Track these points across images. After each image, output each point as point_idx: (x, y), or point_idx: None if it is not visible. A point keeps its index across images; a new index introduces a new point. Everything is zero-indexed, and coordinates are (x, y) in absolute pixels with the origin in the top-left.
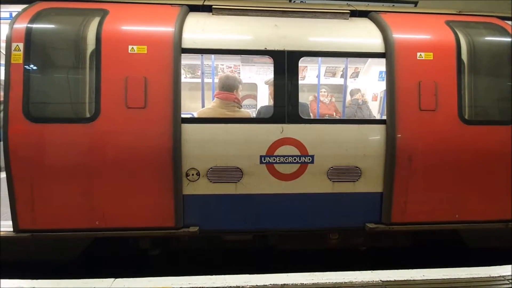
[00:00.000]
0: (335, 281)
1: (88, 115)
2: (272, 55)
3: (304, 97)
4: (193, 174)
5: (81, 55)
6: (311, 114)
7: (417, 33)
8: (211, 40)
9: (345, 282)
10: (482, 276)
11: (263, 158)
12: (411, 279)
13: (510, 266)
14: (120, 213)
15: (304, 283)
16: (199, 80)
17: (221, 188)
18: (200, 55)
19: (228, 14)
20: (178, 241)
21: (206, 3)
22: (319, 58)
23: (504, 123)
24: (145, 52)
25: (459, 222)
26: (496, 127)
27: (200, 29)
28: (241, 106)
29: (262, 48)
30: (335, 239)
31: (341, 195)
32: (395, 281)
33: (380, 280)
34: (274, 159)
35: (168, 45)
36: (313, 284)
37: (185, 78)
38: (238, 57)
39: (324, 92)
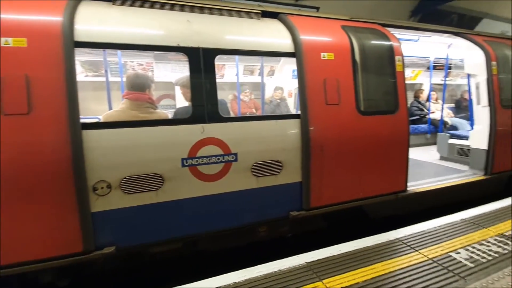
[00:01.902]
0: (265, 273)
1: None
2: (187, 52)
3: (224, 96)
4: (102, 188)
5: None
6: (231, 112)
7: (320, 35)
8: (113, 33)
9: (275, 272)
10: (384, 241)
11: (185, 161)
12: (331, 255)
13: (403, 229)
14: (12, 246)
15: (237, 281)
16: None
17: (139, 198)
18: (101, 50)
19: (132, 6)
20: (95, 264)
21: None
22: (236, 57)
23: (390, 112)
24: (25, 45)
25: (363, 199)
26: (384, 116)
27: (98, 21)
28: (156, 107)
29: (175, 44)
30: (264, 231)
31: (265, 189)
32: (317, 260)
33: (305, 262)
34: (197, 161)
35: (56, 37)
36: (246, 280)
37: (86, 76)
38: (150, 53)
39: (247, 91)
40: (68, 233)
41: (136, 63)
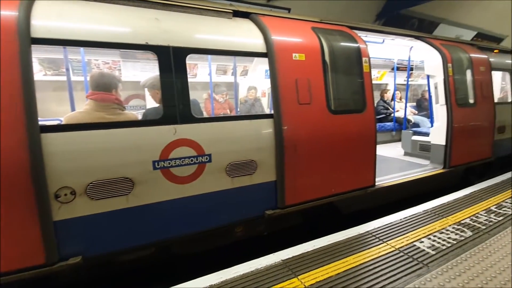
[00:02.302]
0: (242, 273)
1: None
2: (156, 51)
3: (198, 96)
4: (66, 194)
5: None
6: (204, 112)
7: (291, 36)
8: (74, 29)
9: (252, 271)
10: (355, 235)
11: (156, 163)
12: (305, 251)
13: (372, 222)
14: None
15: (213, 283)
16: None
17: (108, 204)
18: (61, 47)
19: (95, 1)
20: (62, 276)
21: None
22: (209, 56)
23: (358, 111)
24: None
25: (335, 195)
26: (353, 115)
27: (57, 15)
28: (124, 108)
29: (143, 42)
30: (240, 231)
31: (241, 189)
32: (293, 257)
33: (281, 260)
34: (169, 163)
35: (10, 34)
36: (222, 282)
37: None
38: (116, 51)
39: (223, 91)
40: (29, 244)
41: (101, 61)
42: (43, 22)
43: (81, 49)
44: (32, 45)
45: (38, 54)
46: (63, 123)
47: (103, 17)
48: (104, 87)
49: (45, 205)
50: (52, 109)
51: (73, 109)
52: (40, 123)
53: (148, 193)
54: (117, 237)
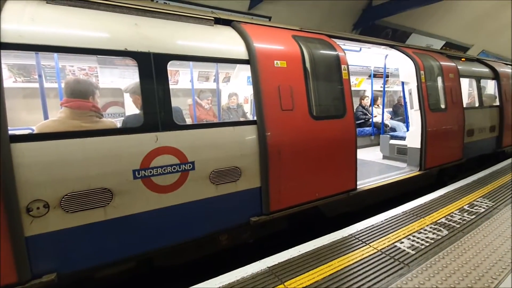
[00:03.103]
0: (228, 282)
1: None
2: (136, 57)
3: (181, 102)
4: (38, 208)
5: None
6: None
7: (273, 44)
8: (48, 34)
9: (237, 280)
10: (339, 238)
11: (137, 173)
12: (291, 257)
13: (355, 225)
14: None
15: None
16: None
17: (84, 217)
18: (33, 52)
19: (70, 5)
20: None
21: None
22: (190, 63)
23: (339, 117)
24: None
25: (319, 199)
26: (334, 120)
27: (29, 20)
28: (102, 116)
29: (122, 48)
30: (225, 239)
31: (225, 197)
32: (279, 263)
33: (267, 267)
34: (150, 172)
35: None
36: None
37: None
38: (93, 57)
39: (210, 98)
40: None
41: (76, 67)
42: (14, 26)
43: (55, 54)
44: (2, 50)
45: (7, 60)
46: (35, 132)
47: (78, 22)
48: (80, 94)
49: (15, 220)
50: (23, 118)
51: (46, 117)
52: (10, 132)
53: (128, 204)
54: (95, 251)
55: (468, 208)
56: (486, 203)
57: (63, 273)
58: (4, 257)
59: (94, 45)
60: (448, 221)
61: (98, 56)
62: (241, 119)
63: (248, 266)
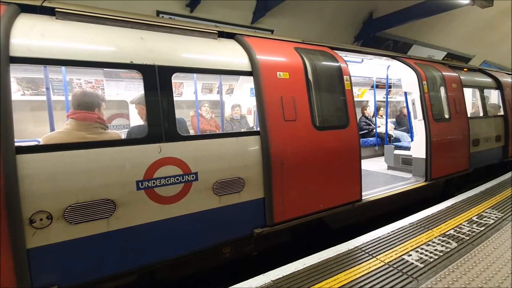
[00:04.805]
0: None
1: None
2: (141, 70)
3: (184, 114)
4: (41, 219)
5: None
6: (191, 130)
7: (275, 56)
8: (56, 48)
9: None
10: (344, 251)
11: (140, 184)
12: (296, 270)
13: (361, 237)
14: None
15: None
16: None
17: (87, 228)
18: (41, 66)
19: (78, 21)
20: None
21: (46, 4)
22: (194, 75)
23: (342, 127)
24: None
25: (324, 210)
26: (337, 130)
27: (39, 35)
28: (107, 127)
29: (128, 61)
30: (228, 252)
31: (228, 208)
32: (283, 277)
33: (271, 281)
34: (154, 183)
35: None
36: None
37: (23, 95)
38: (99, 71)
39: (207, 107)
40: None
41: (83, 80)
42: (24, 40)
43: (63, 68)
44: (11, 64)
45: (17, 74)
46: (41, 143)
47: (85, 36)
48: (86, 106)
49: (17, 232)
50: (30, 130)
51: (52, 129)
52: (16, 144)
53: (131, 215)
54: (96, 264)
55: (477, 220)
56: (495, 214)
57: (64, 287)
58: (4, 269)
59: (101, 59)
60: (457, 233)
61: (104, 69)
62: (244, 130)
63: (251, 279)
